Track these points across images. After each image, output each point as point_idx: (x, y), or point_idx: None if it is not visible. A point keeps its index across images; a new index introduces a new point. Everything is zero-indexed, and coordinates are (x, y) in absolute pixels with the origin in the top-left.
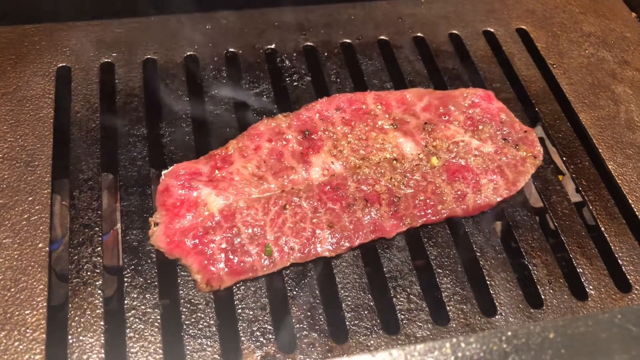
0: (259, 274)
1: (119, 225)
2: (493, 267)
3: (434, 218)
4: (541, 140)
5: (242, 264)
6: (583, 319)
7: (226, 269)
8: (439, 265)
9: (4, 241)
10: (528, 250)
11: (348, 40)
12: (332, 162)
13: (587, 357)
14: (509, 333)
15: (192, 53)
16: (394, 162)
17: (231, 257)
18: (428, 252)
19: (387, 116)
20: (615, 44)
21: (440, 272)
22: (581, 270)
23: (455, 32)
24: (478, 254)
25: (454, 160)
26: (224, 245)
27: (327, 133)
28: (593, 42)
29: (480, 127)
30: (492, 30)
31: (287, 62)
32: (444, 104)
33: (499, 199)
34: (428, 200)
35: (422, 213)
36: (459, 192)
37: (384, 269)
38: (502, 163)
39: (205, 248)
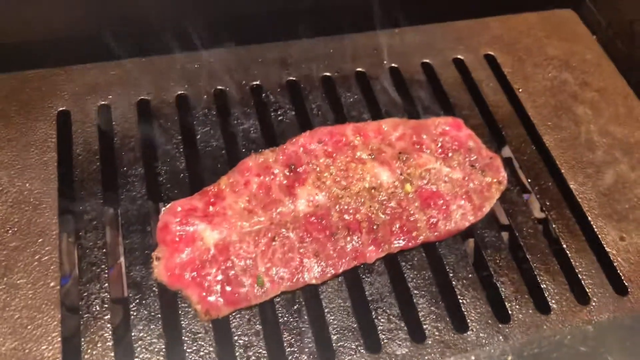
0: (252, 303)
1: (122, 258)
2: (464, 286)
3: (410, 244)
4: (509, 160)
5: (236, 294)
6: (537, 340)
7: (223, 300)
8: (415, 286)
9: (18, 282)
10: (496, 269)
11: (328, 74)
12: (316, 193)
13: None
14: (472, 357)
15: (182, 92)
16: (372, 190)
17: (227, 288)
18: (405, 275)
19: (365, 147)
20: (576, 66)
21: (416, 292)
22: (544, 286)
23: (427, 60)
24: (451, 274)
25: (426, 187)
26: (219, 277)
27: (310, 166)
28: (556, 65)
29: (450, 154)
30: (461, 57)
31: (271, 97)
32: (417, 133)
33: (467, 224)
34: (404, 228)
35: (399, 240)
36: (431, 219)
37: (366, 293)
38: (469, 189)
39: (203, 280)
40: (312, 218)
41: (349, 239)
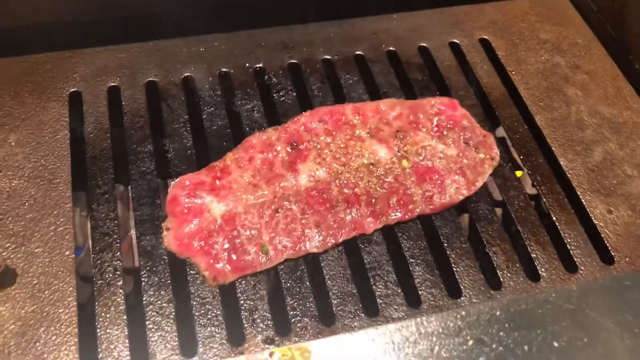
0: (257, 270)
1: (133, 231)
2: (458, 255)
3: (407, 216)
4: (502, 140)
5: (242, 261)
6: (524, 299)
7: (229, 267)
8: (411, 255)
9: (35, 250)
10: (489, 239)
11: (328, 57)
12: (317, 169)
13: (526, 329)
14: (463, 312)
15: (189, 74)
16: (371, 166)
17: (233, 256)
18: (402, 245)
19: (364, 126)
20: (567, 49)
21: (412, 261)
22: (535, 256)
23: (424, 44)
24: (445, 244)
25: (422, 163)
26: (226, 246)
27: (311, 143)
28: (548, 48)
29: (445, 132)
30: (457, 41)
31: (274, 79)
32: (414, 112)
33: (461, 198)
34: (401, 201)
35: (396, 212)
36: (427, 193)
37: (365, 261)
38: (463, 165)
39: (210, 249)
40: (313, 192)
41: (348, 211)
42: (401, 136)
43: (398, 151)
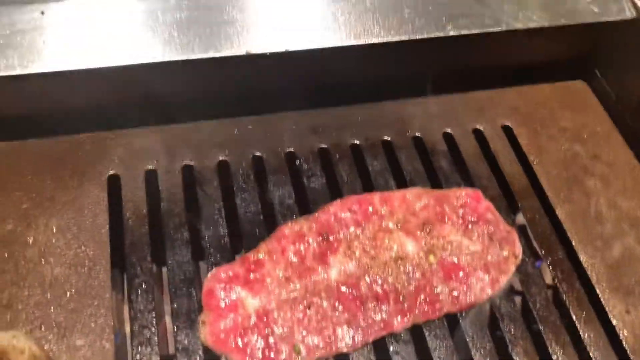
0: None
1: (167, 318)
2: (483, 356)
3: (434, 315)
4: (523, 228)
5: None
6: None
7: None
8: (438, 356)
9: (77, 342)
10: (512, 339)
11: (356, 142)
12: (347, 262)
13: None
14: None
15: (223, 158)
16: (399, 261)
17: (267, 354)
18: (429, 344)
19: (391, 216)
20: (587, 138)
21: None
22: (555, 357)
23: (449, 130)
24: (470, 344)
25: (448, 259)
26: (260, 344)
27: (341, 235)
28: (569, 137)
29: (470, 226)
30: (480, 128)
31: (304, 165)
32: (440, 204)
33: (485, 297)
34: (428, 299)
35: (424, 311)
36: (453, 292)
37: None
38: (487, 262)
39: (246, 347)
40: (344, 287)
41: (377, 309)
42: (428, 229)
43: (425, 244)
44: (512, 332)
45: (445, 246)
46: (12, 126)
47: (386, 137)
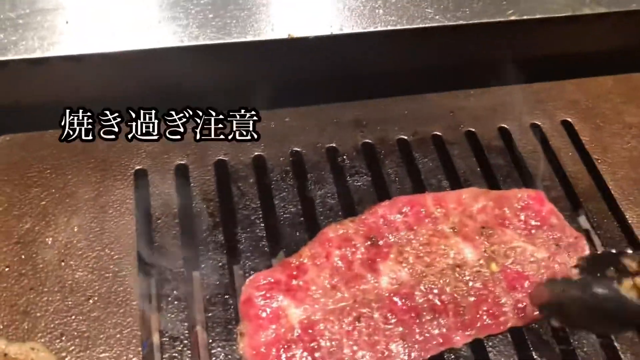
0: None
1: (198, 327)
2: None
3: (497, 330)
4: (587, 232)
5: None
6: None
7: None
8: None
9: (101, 356)
10: (584, 356)
11: (404, 137)
12: (398, 269)
13: None
14: None
15: (259, 153)
16: (457, 269)
17: None
18: None
19: (446, 219)
20: None
21: None
22: None
23: (504, 125)
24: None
25: (511, 267)
26: (305, 359)
27: (392, 239)
28: (634, 134)
29: (533, 231)
30: (538, 123)
31: (347, 161)
32: (499, 206)
33: None
34: (490, 311)
35: (486, 324)
36: (518, 304)
37: None
38: (555, 270)
39: None
40: (396, 297)
41: (435, 322)
42: (487, 233)
43: (485, 251)
44: (585, 349)
45: (508, 253)
46: (29, 116)
47: (436, 132)
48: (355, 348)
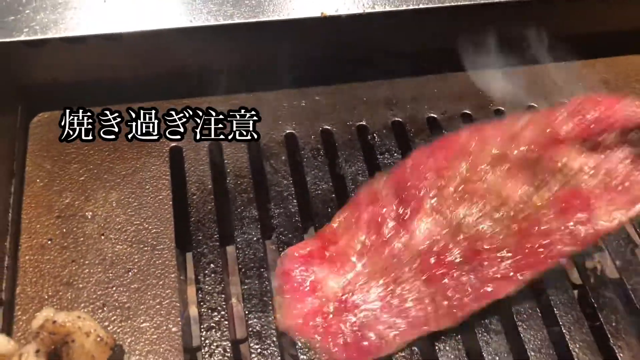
0: (376, 356)
1: (233, 299)
2: (581, 349)
3: (542, 267)
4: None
5: (360, 347)
6: None
7: (346, 352)
8: (532, 348)
9: (142, 325)
10: (613, 332)
11: (434, 115)
12: (432, 223)
13: None
14: None
15: (290, 131)
16: (499, 209)
17: (349, 340)
18: (522, 336)
19: (484, 154)
20: None
21: (533, 355)
22: None
23: (534, 104)
24: (567, 336)
25: (565, 188)
26: (343, 328)
27: (422, 191)
28: None
29: (599, 138)
30: (568, 101)
31: (377, 139)
32: (549, 123)
33: (614, 225)
34: (536, 248)
35: (539, 259)
36: (567, 229)
37: (482, 352)
38: (627, 179)
39: (326, 332)
40: (430, 255)
41: (472, 275)
42: (534, 157)
43: (536, 177)
44: (614, 324)
45: (560, 177)
46: (67, 94)
47: (466, 110)
48: (390, 315)
